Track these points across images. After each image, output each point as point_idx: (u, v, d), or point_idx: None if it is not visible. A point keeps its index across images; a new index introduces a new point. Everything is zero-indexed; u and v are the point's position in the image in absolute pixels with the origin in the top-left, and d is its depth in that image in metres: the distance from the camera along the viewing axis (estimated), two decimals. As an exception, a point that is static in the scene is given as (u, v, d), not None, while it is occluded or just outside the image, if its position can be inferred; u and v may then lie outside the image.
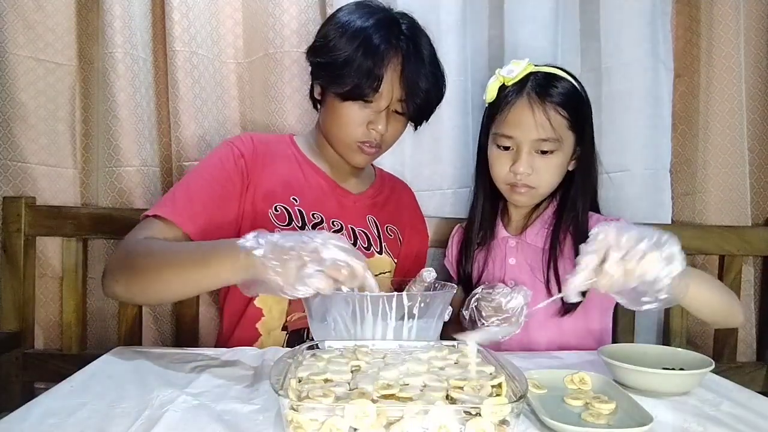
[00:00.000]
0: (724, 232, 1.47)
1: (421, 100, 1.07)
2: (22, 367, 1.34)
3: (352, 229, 1.15)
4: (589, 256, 0.73)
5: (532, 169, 1.06)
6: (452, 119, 1.46)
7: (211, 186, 1.05)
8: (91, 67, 1.43)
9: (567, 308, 1.08)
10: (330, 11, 1.40)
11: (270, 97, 1.45)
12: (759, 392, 0.79)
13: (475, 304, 1.01)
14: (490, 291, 1.00)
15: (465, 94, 1.47)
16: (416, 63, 1.05)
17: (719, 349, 1.48)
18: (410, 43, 1.06)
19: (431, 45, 1.11)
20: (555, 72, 1.11)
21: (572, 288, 0.74)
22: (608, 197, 1.49)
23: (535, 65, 1.11)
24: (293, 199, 1.11)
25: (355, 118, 1.06)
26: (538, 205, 1.16)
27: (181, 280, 0.85)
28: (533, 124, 1.05)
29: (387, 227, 1.21)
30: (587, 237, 1.09)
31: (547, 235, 1.12)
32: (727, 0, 1.45)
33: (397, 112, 1.08)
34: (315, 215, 1.12)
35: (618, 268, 0.71)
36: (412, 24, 1.10)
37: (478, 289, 1.03)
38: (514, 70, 1.09)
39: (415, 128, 1.18)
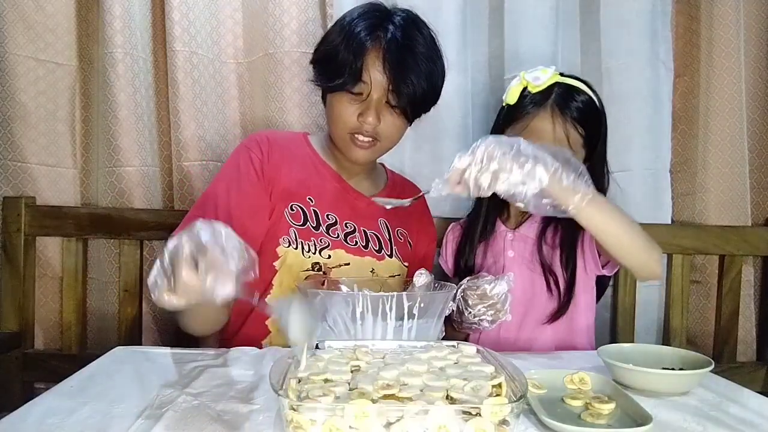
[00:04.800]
0: (724, 232, 1.47)
1: (411, 92, 1.04)
2: (22, 367, 1.35)
3: (364, 231, 1.15)
4: (459, 161, 0.80)
5: None
6: (452, 119, 1.46)
7: (242, 197, 1.07)
8: (91, 67, 1.43)
9: (557, 315, 1.12)
10: (330, 11, 1.41)
11: (270, 97, 1.45)
12: (759, 392, 0.79)
13: (462, 294, 1.01)
14: (476, 280, 1.01)
15: (465, 95, 1.47)
16: (403, 53, 1.02)
17: (719, 349, 1.48)
18: (398, 34, 1.03)
19: (430, 37, 1.08)
20: (578, 85, 1.11)
21: (436, 187, 0.83)
22: (608, 197, 1.49)
23: (561, 74, 1.12)
24: (309, 199, 1.12)
25: (345, 111, 1.05)
26: None
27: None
28: (552, 138, 1.06)
29: (397, 231, 1.21)
30: (576, 227, 1.09)
31: (539, 227, 1.15)
32: (727, 0, 1.45)
33: (390, 104, 1.06)
34: (329, 216, 1.12)
35: (473, 179, 0.79)
36: (409, 17, 1.08)
37: (464, 280, 1.03)
38: (540, 78, 1.09)
39: (410, 122, 1.13)
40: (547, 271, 1.13)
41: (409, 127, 1.14)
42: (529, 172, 0.77)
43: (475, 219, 1.22)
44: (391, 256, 1.17)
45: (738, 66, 1.46)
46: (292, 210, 1.10)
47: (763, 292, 1.53)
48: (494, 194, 1.17)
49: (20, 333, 1.34)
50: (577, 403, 0.71)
